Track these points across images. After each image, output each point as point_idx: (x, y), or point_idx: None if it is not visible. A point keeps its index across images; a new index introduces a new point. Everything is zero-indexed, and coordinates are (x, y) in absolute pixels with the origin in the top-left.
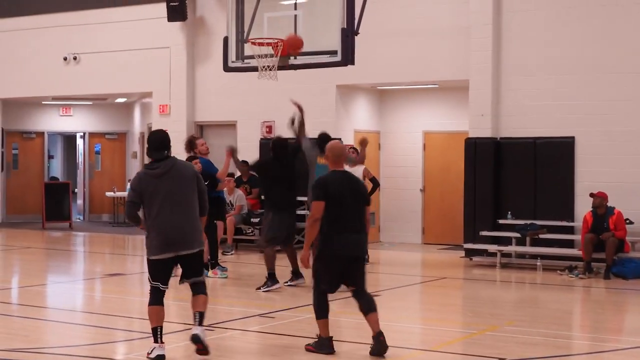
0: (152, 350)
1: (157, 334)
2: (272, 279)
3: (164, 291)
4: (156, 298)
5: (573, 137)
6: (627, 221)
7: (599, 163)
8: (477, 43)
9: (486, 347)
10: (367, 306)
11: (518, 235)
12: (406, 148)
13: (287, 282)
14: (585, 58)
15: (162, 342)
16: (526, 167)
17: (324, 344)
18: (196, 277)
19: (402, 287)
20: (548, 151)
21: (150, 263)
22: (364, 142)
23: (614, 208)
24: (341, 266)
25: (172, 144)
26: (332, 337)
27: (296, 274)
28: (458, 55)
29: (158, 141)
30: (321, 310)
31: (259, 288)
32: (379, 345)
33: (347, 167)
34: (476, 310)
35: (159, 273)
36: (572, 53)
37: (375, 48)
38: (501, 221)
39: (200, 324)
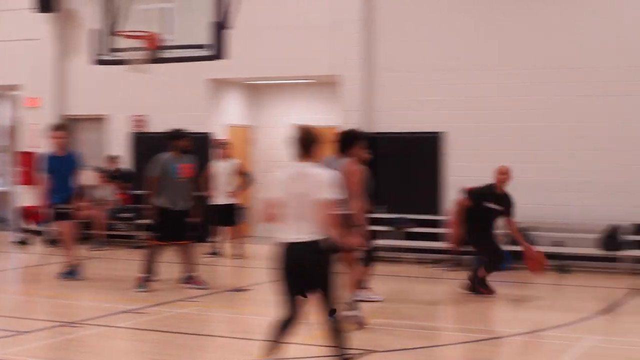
0: None
1: None
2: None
3: None
4: None
5: (444, 133)
6: None
7: (467, 158)
8: (348, 39)
9: (356, 340)
10: None
11: (391, 229)
12: (279, 143)
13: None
14: (455, 55)
15: None
16: (397, 161)
17: None
18: None
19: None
20: (419, 146)
21: None
22: None
23: None
24: None
25: (41, 138)
26: None
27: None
28: (330, 51)
29: None
30: None
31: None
32: None
33: (219, 162)
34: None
35: None
36: (444, 50)
37: (247, 42)
38: (374, 215)
39: None
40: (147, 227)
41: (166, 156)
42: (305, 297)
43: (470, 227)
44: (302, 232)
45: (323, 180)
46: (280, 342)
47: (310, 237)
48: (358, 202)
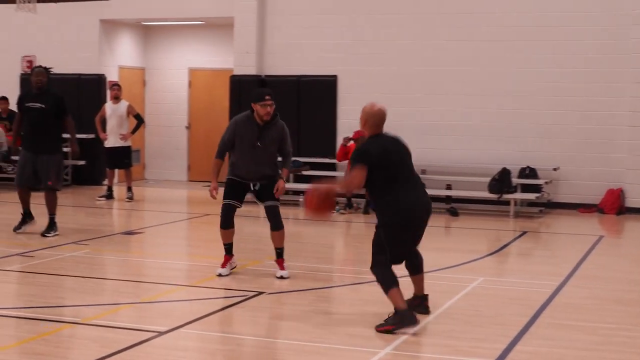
0: None
1: None
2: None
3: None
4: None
5: (335, 76)
6: None
7: (359, 101)
8: None
9: (247, 282)
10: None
11: None
12: (172, 85)
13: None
14: None
15: None
16: (290, 104)
17: (404, 315)
18: None
19: (167, 224)
20: (311, 89)
21: None
22: None
23: None
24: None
25: None
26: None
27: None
28: None
29: None
30: (390, 280)
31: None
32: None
33: (110, 103)
34: (239, 245)
35: None
36: None
37: None
38: None
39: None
40: None
41: None
42: None
43: None
44: None
45: None
46: None
47: None
48: None
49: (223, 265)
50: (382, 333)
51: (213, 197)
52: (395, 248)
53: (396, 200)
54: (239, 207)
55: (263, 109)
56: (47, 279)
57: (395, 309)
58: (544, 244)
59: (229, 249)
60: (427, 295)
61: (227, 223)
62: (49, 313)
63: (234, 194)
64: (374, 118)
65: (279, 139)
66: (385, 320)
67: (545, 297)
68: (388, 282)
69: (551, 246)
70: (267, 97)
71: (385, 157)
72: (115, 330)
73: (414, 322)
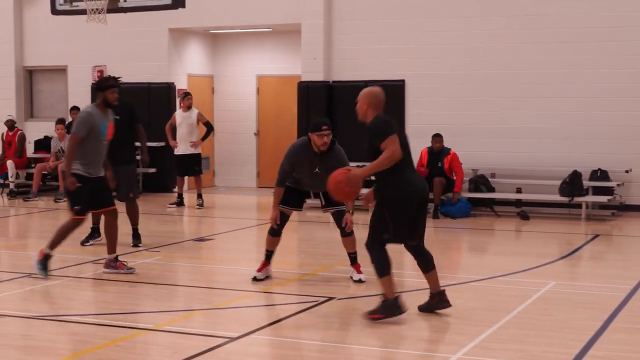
0: None
1: None
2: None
3: None
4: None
5: (403, 80)
6: None
7: (428, 106)
8: None
9: (318, 287)
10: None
11: None
12: (240, 92)
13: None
14: (415, 3)
15: None
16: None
17: (391, 305)
18: None
19: (238, 230)
20: None
21: None
22: None
23: (449, 149)
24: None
25: None
26: (398, 295)
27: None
28: None
29: None
30: (385, 267)
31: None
32: (443, 303)
33: (180, 111)
34: (310, 251)
35: None
36: None
37: None
38: None
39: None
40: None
41: (94, 111)
42: None
43: None
44: None
45: None
46: None
47: None
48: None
49: (259, 270)
50: (372, 321)
51: (274, 227)
52: (399, 224)
53: (402, 177)
54: (298, 210)
55: (320, 139)
56: (119, 286)
57: (384, 296)
58: (617, 247)
59: (269, 255)
60: (444, 290)
61: (276, 230)
62: (122, 319)
63: (290, 200)
64: (376, 98)
65: (337, 165)
66: (376, 308)
67: (618, 301)
68: (382, 269)
69: (624, 249)
70: (324, 127)
71: (399, 133)
72: (188, 337)
73: (400, 311)
